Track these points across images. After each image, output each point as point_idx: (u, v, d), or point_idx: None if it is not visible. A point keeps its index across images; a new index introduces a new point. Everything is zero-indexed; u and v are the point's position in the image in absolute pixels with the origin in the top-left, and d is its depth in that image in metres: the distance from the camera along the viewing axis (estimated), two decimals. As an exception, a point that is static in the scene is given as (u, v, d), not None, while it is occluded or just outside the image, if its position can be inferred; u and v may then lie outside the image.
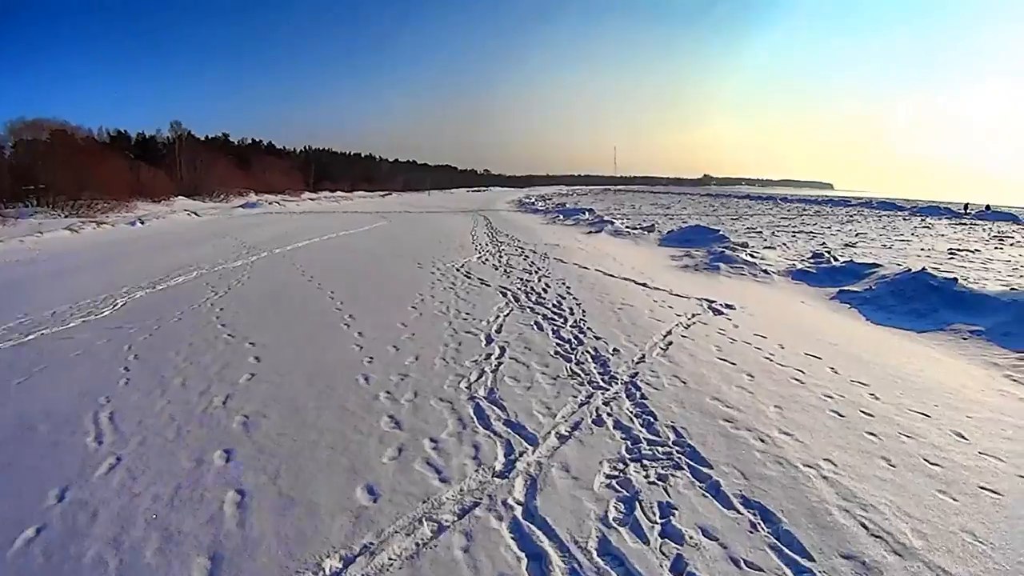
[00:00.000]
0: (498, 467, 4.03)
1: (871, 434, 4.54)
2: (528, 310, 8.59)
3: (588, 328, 7.51)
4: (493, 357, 6.35)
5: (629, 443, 4.34)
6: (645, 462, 4.07)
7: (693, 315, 8.38)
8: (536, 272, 11.87)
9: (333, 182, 74.32)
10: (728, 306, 9.04)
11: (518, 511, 3.55)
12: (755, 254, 15.53)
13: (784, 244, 20.52)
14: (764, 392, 5.34)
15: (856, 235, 25.13)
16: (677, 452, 4.19)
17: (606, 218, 26.18)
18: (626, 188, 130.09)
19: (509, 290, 10.07)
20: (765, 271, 13.13)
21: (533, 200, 51.39)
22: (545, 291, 9.97)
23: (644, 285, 10.74)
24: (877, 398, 5.32)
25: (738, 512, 3.50)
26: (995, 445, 4.53)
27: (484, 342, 6.96)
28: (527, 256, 14.38)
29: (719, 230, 20.24)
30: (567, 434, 4.49)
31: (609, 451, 4.23)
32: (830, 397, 5.27)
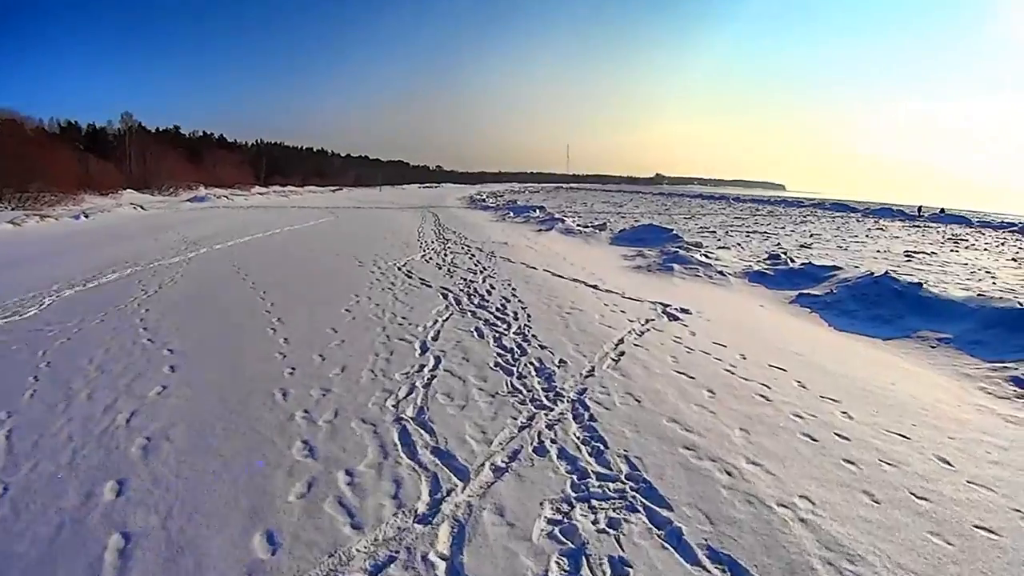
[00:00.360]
0: (421, 509, 3.43)
1: (849, 462, 4.07)
2: (469, 314, 7.98)
3: (533, 335, 6.93)
4: (427, 369, 5.73)
5: (575, 477, 3.75)
6: (594, 502, 3.49)
7: (647, 321, 7.89)
8: (481, 272, 11.29)
9: (284, 177, 73.61)
10: (684, 310, 8.59)
11: (441, 569, 2.95)
12: (710, 254, 15.26)
13: (739, 244, 20.42)
14: (727, 412, 4.83)
15: (810, 236, 25.34)
16: (631, 489, 3.62)
17: (557, 216, 25.73)
18: (578, 186, 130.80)
19: (451, 292, 9.46)
20: (721, 272, 12.80)
21: (484, 197, 50.74)
22: (489, 293, 9.38)
23: (595, 287, 10.23)
24: (851, 417, 4.88)
25: (704, 569, 2.95)
26: (983, 472, 4.11)
27: (418, 351, 6.33)
28: (473, 255, 13.79)
29: (672, 229, 19.99)
30: (503, 466, 3.89)
31: (552, 488, 3.64)
32: (800, 417, 4.79)
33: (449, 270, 11.56)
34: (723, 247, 18.73)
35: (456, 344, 6.60)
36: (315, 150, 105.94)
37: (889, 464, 4.09)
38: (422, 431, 4.38)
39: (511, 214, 28.89)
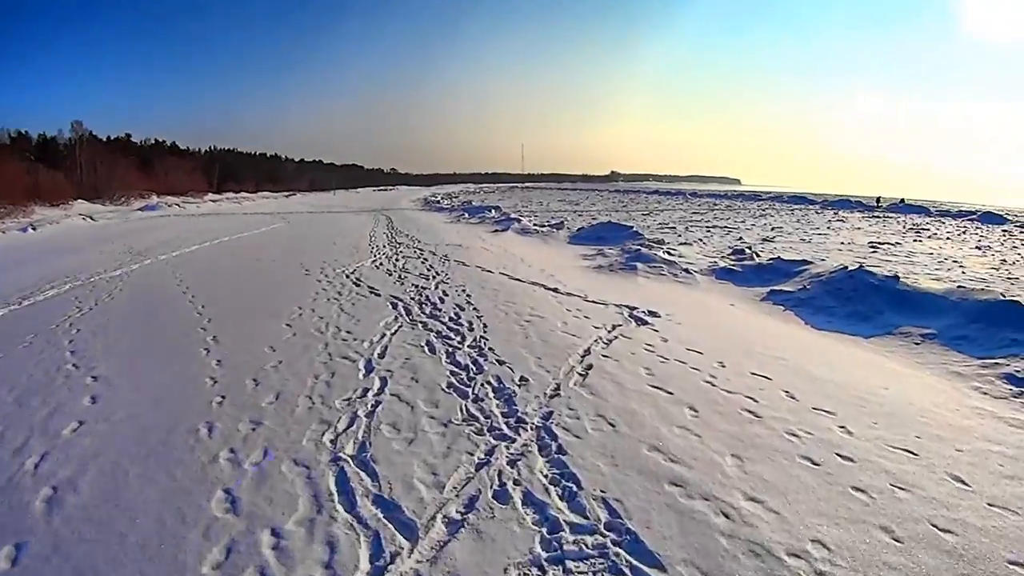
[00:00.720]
0: (358, 582, 2.83)
1: (859, 490, 3.60)
2: (420, 326, 7.41)
3: (490, 349, 6.37)
4: (371, 394, 5.13)
5: (545, 531, 3.18)
6: (570, 564, 2.93)
7: (614, 327, 7.39)
8: (434, 278, 10.72)
9: (238, 183, 72.07)
10: (652, 313, 8.14)
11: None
12: (672, 251, 14.90)
13: (700, 240, 20.21)
14: (714, 434, 4.33)
15: (772, 229, 25.38)
16: (613, 543, 3.06)
17: (513, 216, 25.23)
18: (534, 185, 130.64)
19: (401, 300, 8.87)
20: (686, 270, 12.43)
21: (439, 198, 50.01)
22: (442, 300, 8.81)
23: (555, 290, 9.74)
24: (850, 432, 4.43)
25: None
26: (1001, 491, 3.69)
27: (363, 371, 5.74)
28: (426, 259, 13.21)
29: (632, 226, 19.68)
30: (458, 519, 3.31)
31: (517, 547, 3.06)
32: (795, 436, 4.32)
33: (400, 276, 10.96)
34: (685, 243, 18.46)
35: (405, 362, 6.00)
36: (269, 156, 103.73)
37: (902, 489, 3.63)
38: (363, 474, 3.78)
39: (466, 215, 28.29)
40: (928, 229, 27.42)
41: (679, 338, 6.98)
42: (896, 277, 10.06)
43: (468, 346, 6.51)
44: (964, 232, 26.62)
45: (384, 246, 15.93)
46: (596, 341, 6.72)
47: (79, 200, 38.60)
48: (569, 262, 13.96)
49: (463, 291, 9.48)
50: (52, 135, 56.00)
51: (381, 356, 6.21)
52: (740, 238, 21.13)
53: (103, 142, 60.01)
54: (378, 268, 12.06)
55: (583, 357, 6.13)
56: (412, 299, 8.95)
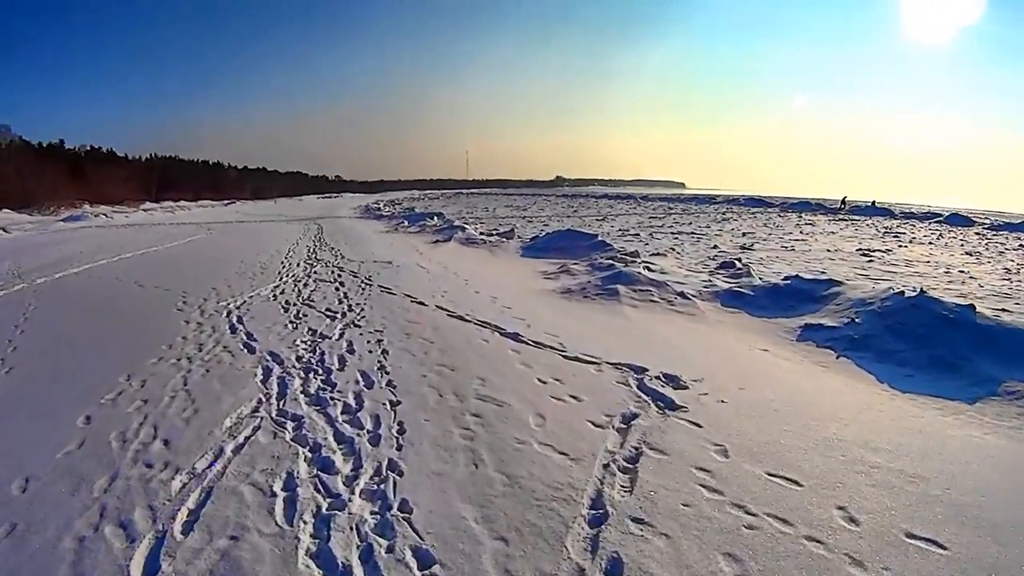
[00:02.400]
0: None
1: None
2: (291, 426, 4.27)
3: (405, 511, 3.22)
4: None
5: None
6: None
7: (626, 422, 4.33)
8: (343, 316, 7.61)
9: (178, 191, 68.53)
10: (674, 381, 5.18)
11: None
12: (652, 266, 12.00)
13: (673, 249, 17.37)
14: None
15: (743, 235, 22.93)
16: None
17: (456, 223, 22.08)
18: (479, 191, 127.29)
19: (280, 363, 5.72)
20: (682, 294, 9.50)
21: (380, 206, 46.33)
22: (343, 361, 5.69)
23: (516, 337, 6.66)
24: None
25: None
26: None
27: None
28: (343, 283, 10.07)
29: (595, 234, 16.78)
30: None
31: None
32: None
33: (299, 313, 7.79)
34: (657, 253, 15.61)
35: (220, 557, 2.85)
36: (211, 163, 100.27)
37: None
38: None
39: (405, 223, 24.99)
40: (903, 233, 25.43)
41: (741, 445, 3.96)
42: (971, 307, 7.30)
43: (363, 495, 3.36)
44: (940, 236, 24.65)
45: (299, 264, 12.66)
46: (606, 469, 3.63)
47: (4, 210, 35.34)
48: (528, 283, 10.93)
49: (379, 341, 6.35)
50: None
51: (187, 529, 3.05)
52: (715, 246, 18.47)
53: (34, 148, 56.81)
54: (275, 298, 8.88)
55: (596, 534, 3.05)
56: (297, 360, 5.77)
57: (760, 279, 10.48)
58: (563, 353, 6.06)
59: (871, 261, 15.55)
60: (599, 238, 16.14)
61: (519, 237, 19.01)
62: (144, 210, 43.75)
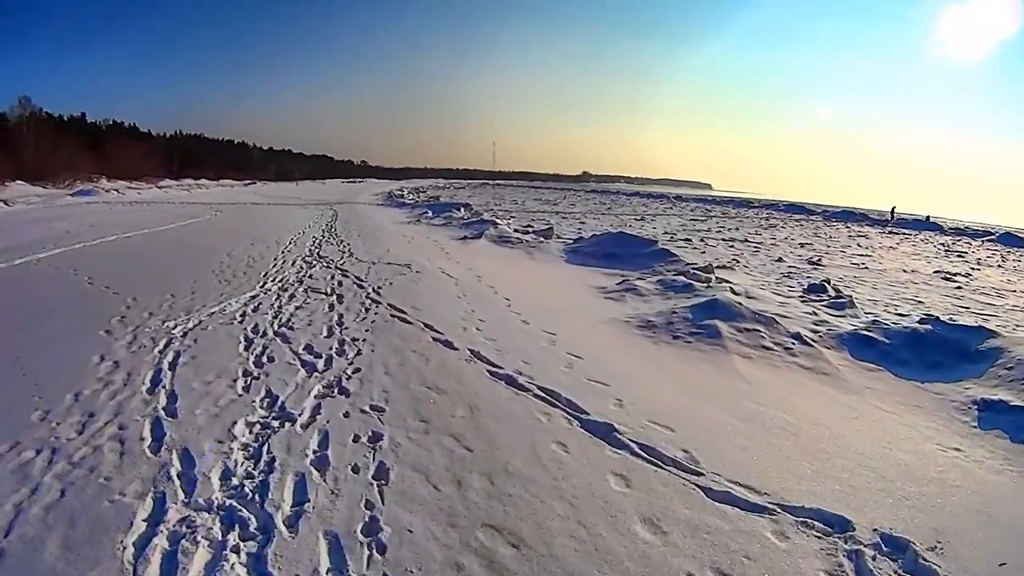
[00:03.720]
0: None
1: None
2: None
3: None
4: None
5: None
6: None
7: None
8: (329, 363, 5.00)
9: (200, 169, 66.82)
10: (913, 562, 2.47)
11: None
12: (734, 287, 9.27)
13: (736, 260, 14.56)
14: None
15: (801, 246, 20.05)
16: None
17: (486, 216, 19.37)
18: (505, 183, 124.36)
19: (184, 495, 3.10)
20: (800, 338, 6.77)
21: (404, 193, 43.56)
22: (297, 509, 3.01)
23: (610, 436, 3.89)
24: None
25: None
26: None
27: None
28: (342, 297, 7.46)
29: (654, 240, 14.01)
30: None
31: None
32: None
33: (264, 353, 5.22)
34: (722, 266, 12.81)
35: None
36: (236, 143, 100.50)
37: None
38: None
39: (429, 213, 22.20)
40: (964, 252, 22.56)
41: None
42: None
43: None
44: (1004, 258, 21.64)
45: (296, 262, 10.07)
46: None
47: (17, 182, 33.85)
48: (588, 305, 8.21)
49: (373, 439, 3.65)
50: (3, 111, 50.13)
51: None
52: (779, 259, 15.64)
53: (54, 121, 55.19)
54: (244, 319, 6.33)
55: None
56: (221, 486, 3.14)
57: (880, 320, 7.77)
58: (698, 481, 3.34)
59: (958, 287, 12.67)
60: (658, 244, 13.41)
61: (558, 237, 16.35)
62: (160, 187, 42.12)
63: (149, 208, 23.57)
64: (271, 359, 4.99)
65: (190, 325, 5.95)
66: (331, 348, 5.31)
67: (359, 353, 5.19)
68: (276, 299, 7.16)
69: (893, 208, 41.32)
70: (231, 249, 11.21)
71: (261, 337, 5.59)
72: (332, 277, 8.67)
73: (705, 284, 9.45)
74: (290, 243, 12.59)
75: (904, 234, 30.43)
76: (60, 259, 9.79)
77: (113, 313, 6.34)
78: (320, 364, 4.89)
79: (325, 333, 5.77)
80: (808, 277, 12.34)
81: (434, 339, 5.68)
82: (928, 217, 40.44)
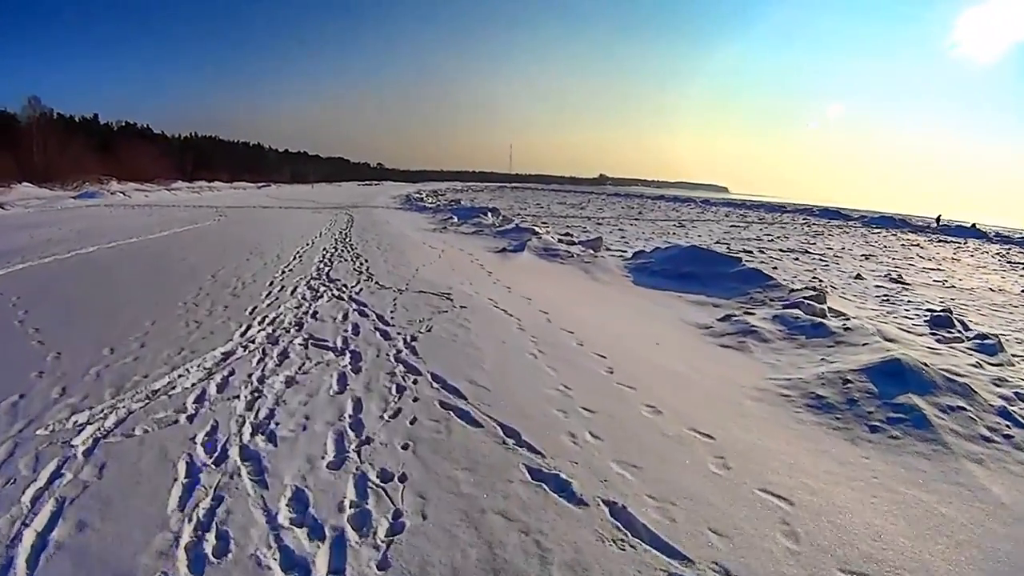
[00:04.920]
0: None
1: None
2: None
3: None
4: None
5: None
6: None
7: None
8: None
9: (214, 171, 65.13)
10: None
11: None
12: (863, 324, 6.75)
13: (819, 279, 11.99)
14: None
15: (865, 257, 17.85)
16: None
17: (522, 224, 16.83)
18: (522, 186, 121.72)
19: None
20: (1016, 419, 4.32)
21: (423, 196, 40.94)
22: None
23: None
24: None
25: None
26: None
27: None
28: (358, 357, 4.93)
29: (738, 258, 11.40)
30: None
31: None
32: None
33: (206, 531, 2.71)
34: (811, 288, 10.30)
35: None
36: (251, 145, 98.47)
37: None
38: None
39: (454, 219, 19.60)
40: (1021, 263, 20.49)
41: None
42: None
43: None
44: None
45: (297, 289, 7.53)
46: None
47: (24, 184, 32.43)
48: (708, 361, 5.61)
49: None
50: (14, 112, 48.16)
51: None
52: (858, 275, 13.16)
53: (64, 121, 53.62)
54: (193, 420, 3.80)
55: None
56: None
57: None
58: None
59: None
60: (744, 263, 10.84)
61: (610, 249, 13.89)
62: (169, 189, 40.12)
63: (150, 212, 21.26)
64: (223, 536, 2.49)
65: (108, 424, 3.47)
66: (341, 504, 2.77)
67: (397, 521, 2.65)
68: (258, 363, 4.63)
69: (939, 216, 38.97)
70: (220, 268, 8.75)
71: (215, 466, 3.06)
72: (345, 316, 6.14)
73: (820, 317, 7.03)
74: (295, 258, 10.09)
75: (954, 242, 27.88)
76: (13, 280, 7.49)
77: (12, 388, 3.90)
78: (319, 563, 2.37)
79: (331, 456, 3.20)
80: (910, 302, 10.34)
81: (531, 473, 3.10)
82: (974, 224, 37.82)
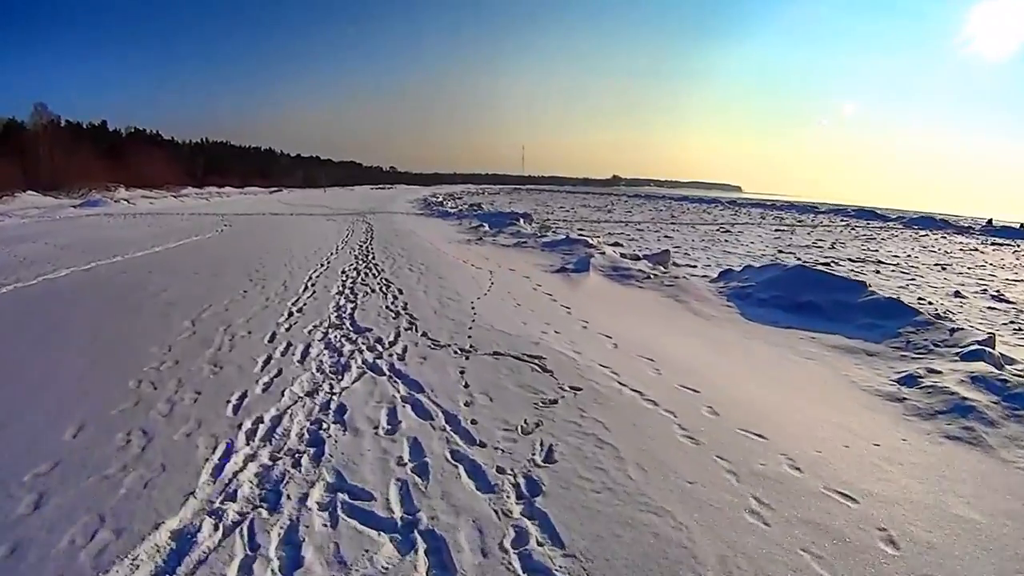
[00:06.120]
0: None
1: None
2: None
3: None
4: None
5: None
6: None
7: None
8: None
9: (225, 176, 63.89)
10: None
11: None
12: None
13: (927, 302, 9.56)
14: None
15: (942, 268, 15.27)
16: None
17: (571, 235, 14.30)
18: (536, 187, 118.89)
19: None
20: None
21: (441, 199, 38.34)
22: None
23: None
24: None
25: None
26: None
27: None
28: (430, 543, 2.50)
29: (864, 283, 8.79)
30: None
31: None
32: None
33: None
34: (940, 316, 7.92)
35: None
36: (262, 150, 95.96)
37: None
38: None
39: (486, 227, 17.02)
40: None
41: None
42: None
43: None
44: None
45: (309, 354, 4.97)
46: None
47: (28, 192, 31.21)
48: (968, 485, 3.20)
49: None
50: (22, 120, 46.37)
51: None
52: (956, 292, 10.80)
53: (72, 128, 52.20)
54: None
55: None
56: None
57: None
58: None
59: None
60: (871, 290, 8.31)
61: (675, 263, 11.51)
62: (176, 196, 37.87)
63: (150, 221, 19.07)
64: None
65: None
66: None
67: None
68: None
69: (991, 219, 36.37)
70: (205, 307, 6.33)
71: None
72: (391, 417, 3.62)
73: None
74: (306, 289, 7.59)
75: (1010, 245, 25.13)
76: None
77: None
78: None
79: None
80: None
81: None
82: (1022, 225, 35.12)
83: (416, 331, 5.60)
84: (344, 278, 8.45)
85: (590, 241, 12.64)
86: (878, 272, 13.61)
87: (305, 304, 6.63)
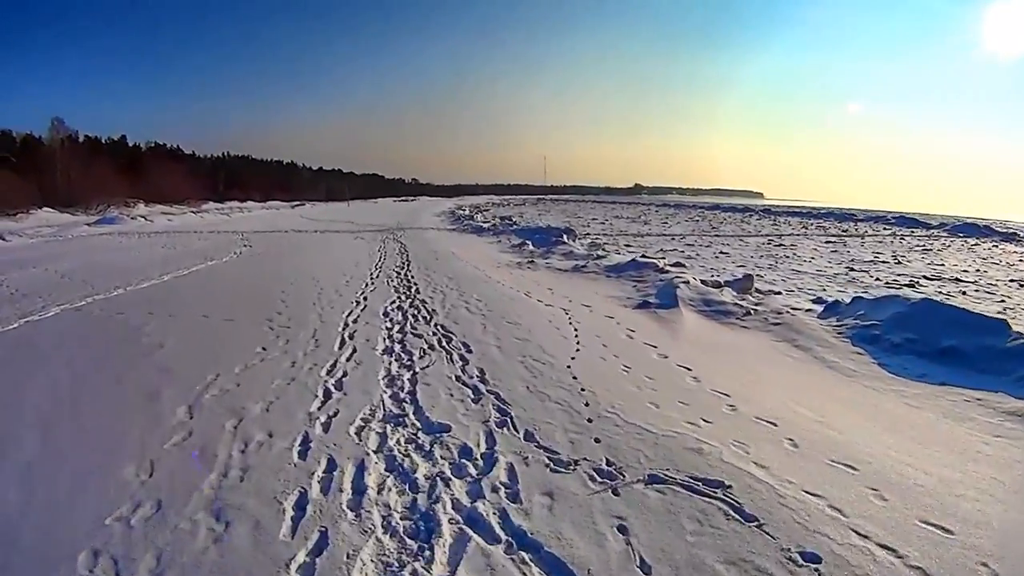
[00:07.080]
0: None
1: None
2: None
3: None
4: None
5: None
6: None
7: None
8: None
9: (246, 191, 63.21)
10: None
11: None
12: None
13: None
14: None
15: (1020, 285, 13.47)
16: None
17: (640, 258, 12.36)
18: (560, 198, 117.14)
19: None
20: None
21: (469, 212, 36.67)
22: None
23: None
24: None
25: None
26: None
27: None
28: None
29: (1004, 322, 6.94)
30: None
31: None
32: None
33: None
34: None
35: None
36: (284, 163, 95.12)
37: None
38: None
39: (530, 245, 15.28)
40: None
41: None
42: None
43: None
44: None
45: (367, 479, 3.45)
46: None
47: (44, 209, 30.60)
48: None
49: None
50: (40, 135, 45.19)
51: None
52: None
53: (91, 142, 51.43)
54: None
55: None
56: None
57: None
58: None
59: None
60: (1017, 332, 6.48)
61: (757, 291, 9.79)
62: (196, 211, 36.79)
63: (165, 241, 17.76)
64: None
65: None
66: None
67: None
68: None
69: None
70: (213, 376, 4.71)
71: None
72: None
73: None
74: (341, 344, 5.85)
75: None
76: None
77: None
78: None
79: None
80: None
81: None
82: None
83: (515, 429, 3.80)
84: (389, 324, 6.73)
85: (659, 265, 10.86)
86: (964, 293, 11.81)
87: (345, 375, 4.87)
